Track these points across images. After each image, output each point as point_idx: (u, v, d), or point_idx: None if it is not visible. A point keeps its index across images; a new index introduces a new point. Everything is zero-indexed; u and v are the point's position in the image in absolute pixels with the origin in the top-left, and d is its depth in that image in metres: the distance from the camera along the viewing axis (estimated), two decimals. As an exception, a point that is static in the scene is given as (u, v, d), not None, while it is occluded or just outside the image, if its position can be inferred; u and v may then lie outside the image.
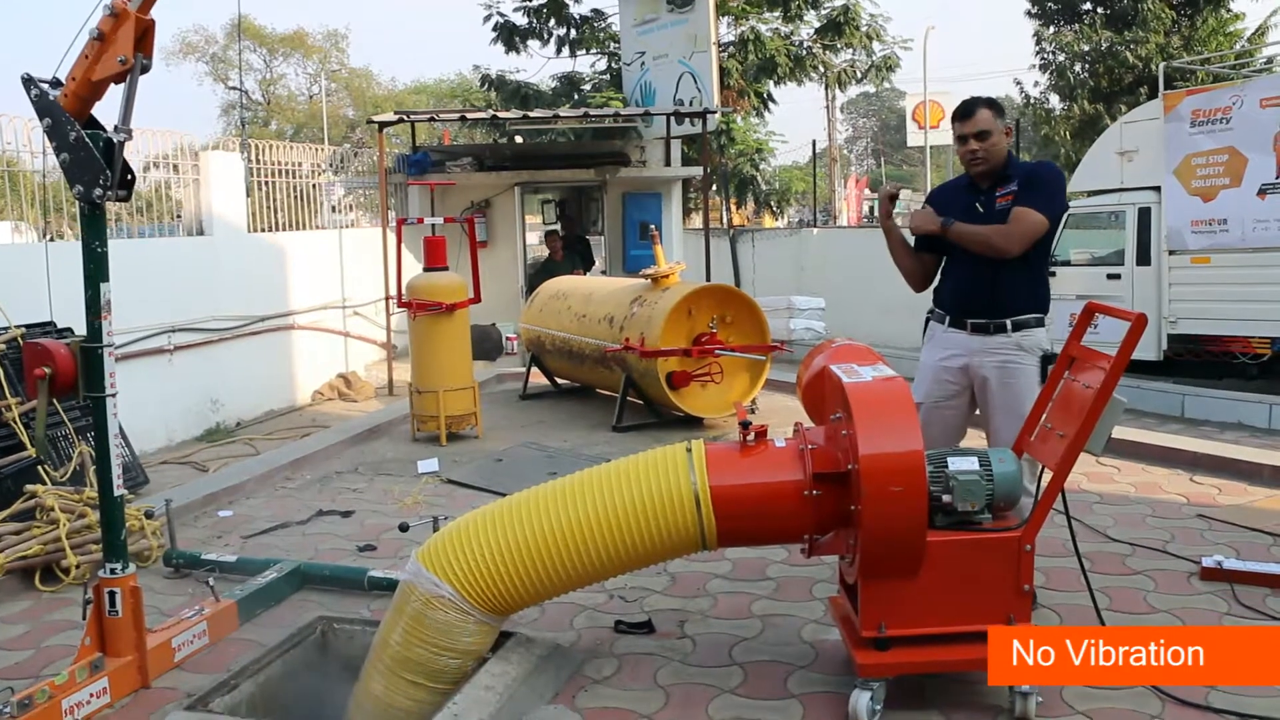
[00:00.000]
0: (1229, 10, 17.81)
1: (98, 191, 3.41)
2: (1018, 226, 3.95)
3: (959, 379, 4.14)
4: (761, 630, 4.02)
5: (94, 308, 3.53)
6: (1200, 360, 9.68)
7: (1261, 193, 8.83)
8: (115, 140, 3.42)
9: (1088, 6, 18.76)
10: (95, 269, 3.53)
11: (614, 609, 4.28)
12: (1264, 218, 8.84)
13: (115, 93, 3.47)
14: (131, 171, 3.54)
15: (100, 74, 3.39)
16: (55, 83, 3.45)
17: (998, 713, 3.27)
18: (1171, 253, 9.54)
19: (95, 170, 3.39)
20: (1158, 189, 9.66)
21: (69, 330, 6.62)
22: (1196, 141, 9.31)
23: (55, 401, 5.95)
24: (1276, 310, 8.84)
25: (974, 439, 4.23)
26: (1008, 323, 4.03)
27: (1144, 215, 9.77)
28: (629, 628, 4.05)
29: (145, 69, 3.44)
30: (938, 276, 4.33)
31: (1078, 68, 18.32)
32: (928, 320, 4.35)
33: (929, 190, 4.53)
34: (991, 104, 4.09)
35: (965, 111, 4.07)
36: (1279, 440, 7.09)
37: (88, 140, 3.38)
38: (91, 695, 3.49)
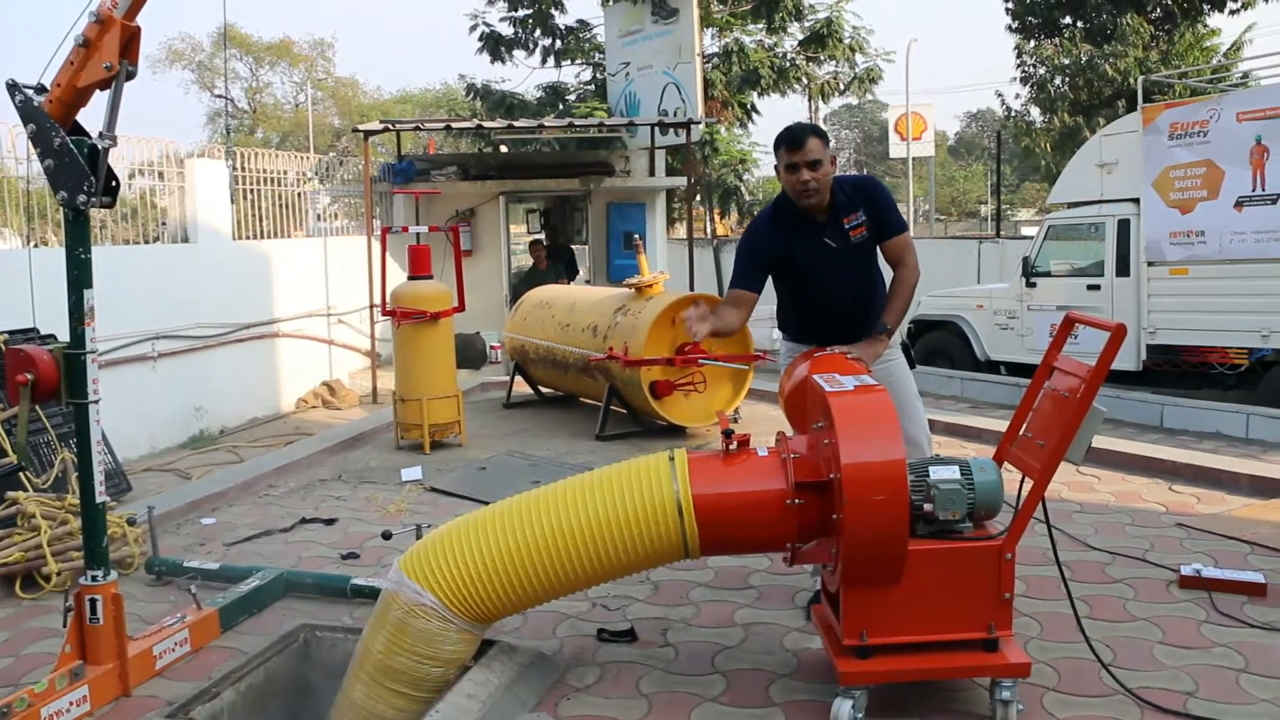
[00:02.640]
0: (1205, 26, 18.00)
1: (82, 197, 3.40)
2: (912, 256, 4.08)
3: None
4: (744, 638, 4.03)
5: (77, 314, 3.52)
6: (1179, 370, 9.77)
7: (1238, 205, 8.93)
8: (100, 146, 3.42)
9: (1068, 21, 18.92)
10: (79, 275, 3.52)
11: (596, 617, 4.28)
12: (1241, 230, 8.93)
13: (100, 99, 3.47)
14: (116, 178, 3.54)
15: (85, 80, 3.39)
16: (40, 89, 3.45)
17: (978, 720, 3.30)
18: (1150, 264, 9.62)
19: (79, 176, 3.39)
20: (1137, 201, 9.74)
21: (52, 336, 6.59)
22: (1174, 154, 9.40)
23: (38, 408, 5.93)
24: (1253, 321, 8.93)
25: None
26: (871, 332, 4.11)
27: (1123, 227, 9.86)
28: (611, 636, 4.05)
29: (130, 75, 3.44)
30: (781, 313, 4.37)
31: (1058, 81, 18.49)
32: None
33: (756, 225, 4.34)
34: (818, 131, 4.00)
35: (794, 140, 3.91)
36: (1256, 450, 7.15)
37: (72, 146, 3.38)
38: (71, 703, 3.47)
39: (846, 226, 4.02)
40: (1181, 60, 17.10)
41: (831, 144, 4.04)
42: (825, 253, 4.05)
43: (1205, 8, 17.67)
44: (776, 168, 4.08)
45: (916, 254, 4.12)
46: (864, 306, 4.13)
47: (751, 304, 4.17)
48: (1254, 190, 8.83)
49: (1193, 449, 6.95)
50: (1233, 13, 17.66)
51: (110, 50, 3.35)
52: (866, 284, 4.13)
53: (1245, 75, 13.89)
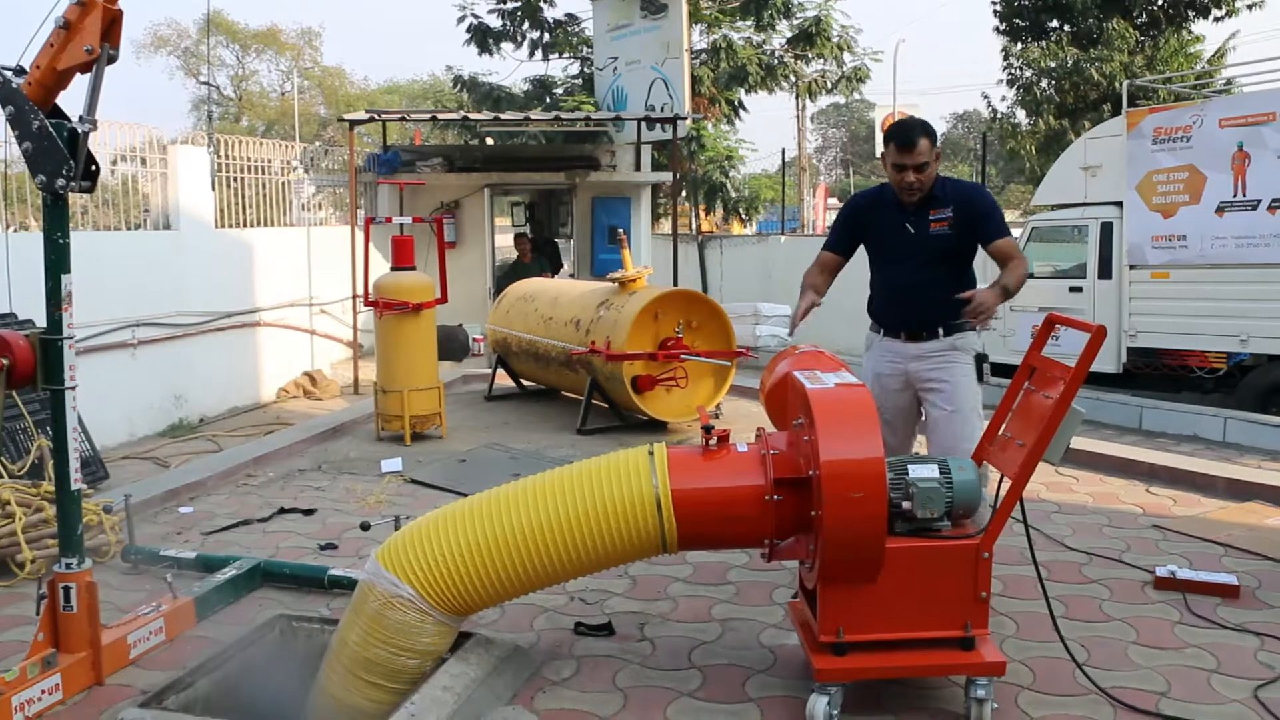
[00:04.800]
0: (1190, 32, 18.09)
1: (60, 182, 3.37)
2: (1017, 254, 4.11)
3: (901, 384, 4.26)
4: (721, 634, 4.04)
5: (54, 299, 3.50)
6: (1158, 373, 9.83)
7: (1219, 210, 8.99)
8: (79, 130, 3.39)
9: (1054, 24, 18.98)
10: (56, 260, 3.49)
11: (574, 611, 4.28)
12: (1222, 235, 8.99)
13: (81, 83, 3.44)
14: (95, 162, 3.51)
15: (65, 63, 3.36)
16: (19, 70, 3.42)
17: (953, 718, 3.31)
18: (1132, 267, 9.68)
19: (58, 160, 3.36)
20: (1120, 204, 9.79)
21: (30, 322, 6.54)
22: (1158, 159, 9.45)
23: (14, 394, 5.88)
24: (1232, 325, 8.99)
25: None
26: (939, 329, 4.16)
27: (1106, 230, 9.91)
28: (589, 630, 4.06)
29: (112, 59, 3.42)
30: (869, 290, 4.42)
31: (1044, 84, 18.52)
32: None
33: (855, 195, 4.68)
34: (929, 131, 4.09)
35: (906, 141, 4.03)
36: (1233, 453, 7.21)
37: (51, 130, 3.35)
38: (43, 692, 3.45)
39: (930, 218, 4.12)
40: (1166, 66, 17.18)
41: (939, 142, 4.15)
42: (900, 235, 4.17)
43: (1190, 14, 17.76)
44: (883, 156, 4.19)
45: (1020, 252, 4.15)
46: (932, 300, 4.15)
47: (835, 266, 4.36)
48: (1235, 196, 8.89)
49: (1170, 451, 7.01)
50: (1217, 20, 17.75)
51: (91, 33, 3.32)
52: (937, 279, 4.14)
53: (1229, 82, 13.96)
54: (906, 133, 4.06)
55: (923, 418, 4.33)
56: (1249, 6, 17.24)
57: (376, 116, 13.55)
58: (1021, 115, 19.70)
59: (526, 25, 19.43)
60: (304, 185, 13.62)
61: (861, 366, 4.35)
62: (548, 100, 19.04)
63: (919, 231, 4.15)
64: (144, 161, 10.10)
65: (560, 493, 3.36)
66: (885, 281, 4.31)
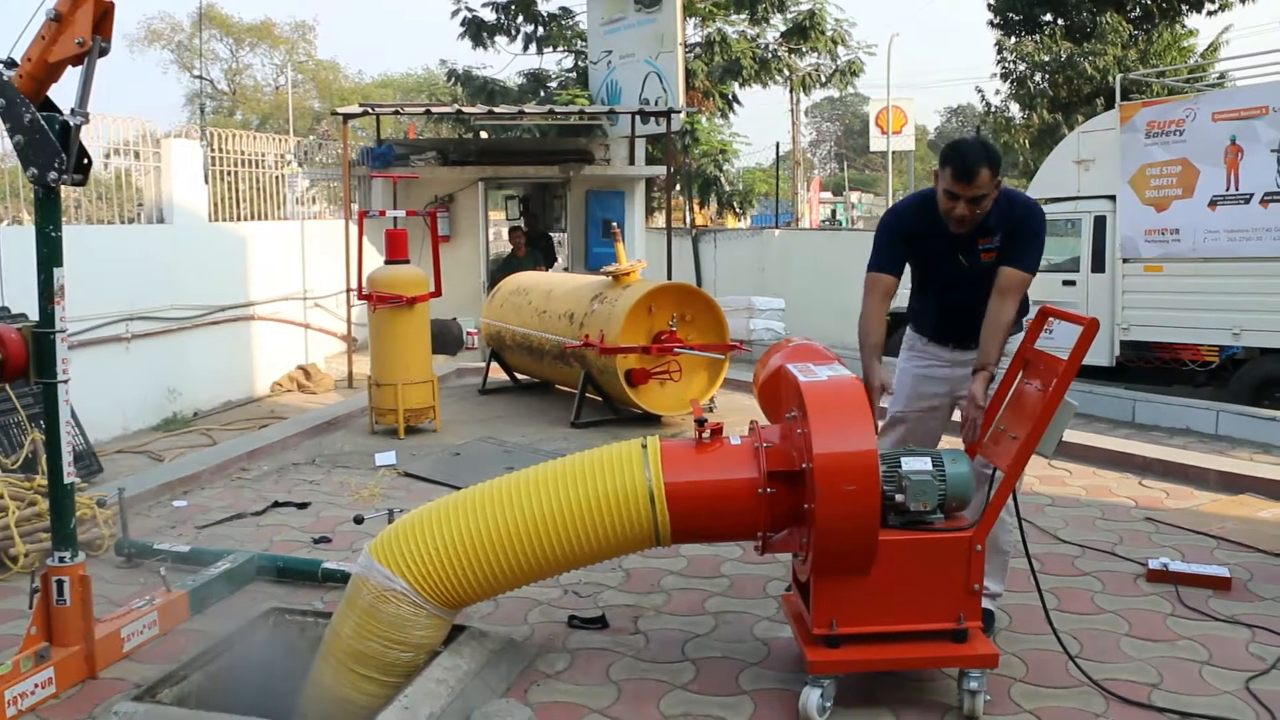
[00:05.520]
0: (1183, 26, 18.14)
1: (52, 175, 3.37)
2: (1013, 295, 3.70)
3: (942, 387, 4.05)
4: (714, 627, 4.05)
5: (47, 292, 3.49)
6: (1151, 367, 9.85)
7: (1212, 204, 9.01)
8: (71, 123, 3.38)
9: (1048, 18, 19.01)
10: (49, 253, 3.48)
11: (568, 604, 4.29)
12: (1214, 228, 9.02)
13: (73, 75, 3.43)
14: (88, 155, 3.50)
15: (57, 56, 3.35)
16: (10, 63, 3.41)
17: (946, 710, 3.32)
18: (1125, 261, 9.69)
19: (50, 153, 3.35)
20: (1113, 198, 9.81)
21: (23, 316, 6.52)
22: (1151, 152, 9.47)
23: (7, 387, 5.87)
24: (1225, 319, 9.01)
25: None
26: None
27: (1099, 223, 9.93)
28: (582, 623, 4.06)
29: (104, 52, 3.41)
30: (910, 297, 4.20)
31: (1037, 77, 18.57)
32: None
33: (893, 206, 4.24)
34: (992, 160, 3.58)
35: (965, 172, 3.50)
36: (1225, 446, 7.22)
37: (43, 123, 3.34)
38: (36, 685, 3.44)
39: (980, 248, 3.76)
40: (1159, 60, 17.22)
41: (1001, 168, 3.64)
42: (954, 267, 3.84)
43: (1183, 8, 17.80)
44: (935, 173, 3.71)
45: (1021, 292, 3.74)
46: (983, 314, 3.82)
47: (892, 289, 3.83)
48: (1228, 190, 8.91)
49: (1163, 444, 7.02)
50: (1210, 14, 17.80)
51: (83, 25, 3.31)
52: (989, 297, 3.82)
53: (1221, 76, 13.99)
54: (966, 160, 3.51)
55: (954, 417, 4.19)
56: (1242, 0, 17.27)
57: (370, 110, 13.53)
58: (1015, 109, 19.74)
59: (520, 19, 19.44)
60: (298, 179, 13.58)
61: (898, 367, 4.16)
62: (542, 94, 19.03)
63: (973, 265, 3.82)
64: (137, 155, 10.06)
65: (554, 486, 3.36)
66: (940, 305, 4.02)
